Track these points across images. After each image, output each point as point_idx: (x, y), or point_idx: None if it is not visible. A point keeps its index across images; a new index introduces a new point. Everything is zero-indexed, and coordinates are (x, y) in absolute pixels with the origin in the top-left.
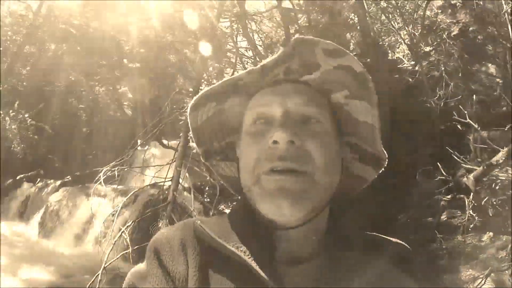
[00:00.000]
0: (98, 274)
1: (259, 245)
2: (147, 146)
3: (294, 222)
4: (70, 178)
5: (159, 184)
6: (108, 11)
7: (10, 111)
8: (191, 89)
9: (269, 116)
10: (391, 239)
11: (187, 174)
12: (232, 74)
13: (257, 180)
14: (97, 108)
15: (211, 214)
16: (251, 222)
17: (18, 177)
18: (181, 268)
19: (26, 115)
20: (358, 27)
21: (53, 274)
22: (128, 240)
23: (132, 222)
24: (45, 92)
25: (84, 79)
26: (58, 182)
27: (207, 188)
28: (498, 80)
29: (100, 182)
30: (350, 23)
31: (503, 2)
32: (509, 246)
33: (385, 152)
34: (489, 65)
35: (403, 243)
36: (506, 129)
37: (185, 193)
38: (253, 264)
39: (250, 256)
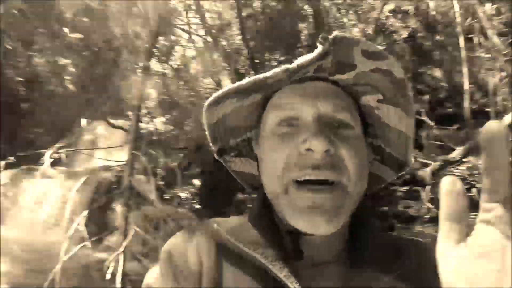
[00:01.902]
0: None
1: (281, 249)
2: (94, 125)
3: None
4: (14, 160)
5: (111, 167)
6: None
7: None
8: (140, 65)
9: (299, 118)
10: (411, 237)
11: (143, 158)
12: (184, 52)
13: (286, 189)
14: (36, 82)
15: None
16: (272, 226)
17: None
18: (195, 269)
19: None
20: (311, 19)
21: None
22: (83, 231)
23: (88, 212)
24: None
25: (21, 47)
26: (2, 163)
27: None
28: (442, 83)
29: (47, 164)
30: (303, 14)
31: (456, 14)
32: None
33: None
34: (435, 69)
35: (421, 240)
36: (452, 129)
37: (138, 176)
38: (271, 266)
39: (269, 259)
